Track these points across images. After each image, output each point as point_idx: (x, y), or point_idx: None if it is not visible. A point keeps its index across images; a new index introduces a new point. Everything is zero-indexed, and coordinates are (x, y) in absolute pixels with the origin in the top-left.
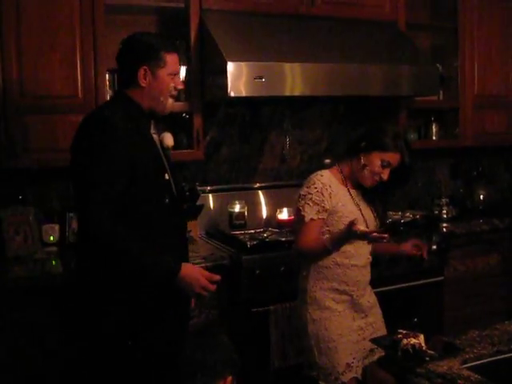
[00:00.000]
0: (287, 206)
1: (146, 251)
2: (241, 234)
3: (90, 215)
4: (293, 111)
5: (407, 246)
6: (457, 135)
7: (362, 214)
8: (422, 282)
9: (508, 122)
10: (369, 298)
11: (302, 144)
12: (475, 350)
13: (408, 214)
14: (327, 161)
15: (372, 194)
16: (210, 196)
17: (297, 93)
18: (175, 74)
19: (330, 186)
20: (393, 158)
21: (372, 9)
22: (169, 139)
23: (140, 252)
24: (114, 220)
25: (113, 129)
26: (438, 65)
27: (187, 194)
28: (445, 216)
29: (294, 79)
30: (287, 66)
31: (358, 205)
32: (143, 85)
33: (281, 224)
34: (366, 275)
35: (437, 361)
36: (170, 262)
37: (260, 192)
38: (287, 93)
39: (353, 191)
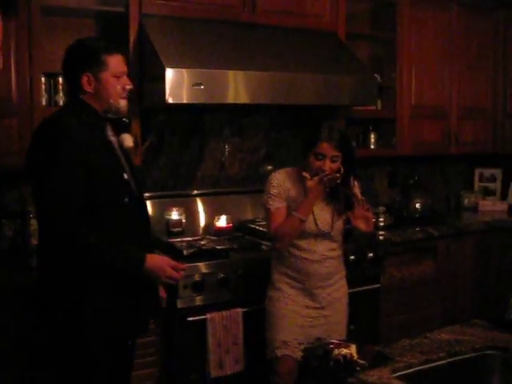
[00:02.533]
0: (225, 214)
1: (112, 246)
2: (178, 241)
3: (57, 218)
4: (232, 118)
5: (358, 222)
6: (394, 144)
7: (313, 214)
8: (358, 289)
9: (443, 132)
10: (331, 292)
11: (241, 151)
12: (405, 359)
13: None
14: (269, 167)
15: (330, 194)
16: (148, 202)
17: (236, 100)
18: (120, 75)
19: (284, 182)
20: (323, 148)
21: (313, 18)
22: (128, 140)
23: (107, 246)
24: (78, 220)
25: (68, 134)
26: (376, 75)
27: None
28: (382, 224)
29: (233, 87)
30: (227, 74)
31: None
32: (89, 90)
33: (219, 231)
34: (320, 269)
35: (367, 370)
36: (136, 254)
37: (198, 199)
38: (226, 100)
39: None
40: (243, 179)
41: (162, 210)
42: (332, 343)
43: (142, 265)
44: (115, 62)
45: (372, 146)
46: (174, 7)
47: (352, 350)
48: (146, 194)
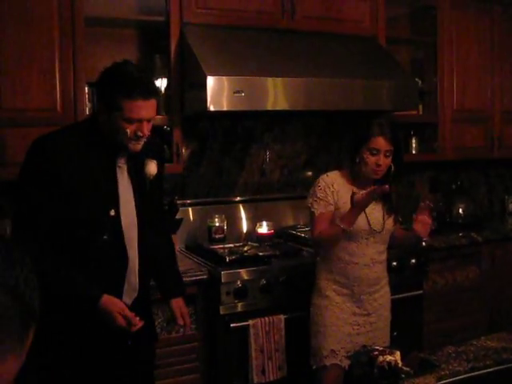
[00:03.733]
0: (267, 220)
1: (67, 279)
2: (220, 248)
3: (13, 238)
4: (273, 125)
5: (418, 226)
6: (436, 149)
7: (365, 212)
8: (401, 295)
9: (486, 136)
10: (377, 298)
11: (281, 158)
12: (450, 367)
13: None
14: (310, 173)
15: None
16: (190, 210)
17: (277, 107)
18: (134, 121)
19: (332, 185)
20: (377, 143)
21: (352, 23)
22: (151, 167)
23: (59, 279)
24: (35, 246)
25: (45, 161)
26: (417, 79)
27: (166, 207)
28: None
29: (273, 93)
30: (267, 81)
31: None
32: (100, 118)
33: (260, 238)
34: (370, 274)
35: (412, 378)
36: (90, 291)
37: (240, 206)
38: (267, 107)
39: (360, 190)
40: (284, 185)
41: (204, 216)
42: (376, 350)
43: (95, 304)
44: (131, 108)
45: (414, 151)
46: (214, 15)
47: (397, 357)
48: (188, 201)
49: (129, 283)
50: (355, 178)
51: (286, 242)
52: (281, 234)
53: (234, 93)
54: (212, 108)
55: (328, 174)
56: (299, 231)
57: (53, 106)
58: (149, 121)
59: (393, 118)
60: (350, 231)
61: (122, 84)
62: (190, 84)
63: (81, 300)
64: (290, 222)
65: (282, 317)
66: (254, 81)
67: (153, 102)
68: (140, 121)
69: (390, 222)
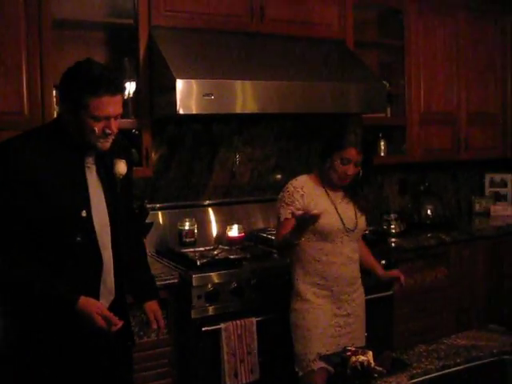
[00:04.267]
0: (237, 223)
1: (40, 282)
2: (191, 251)
3: None
4: (242, 128)
5: (387, 274)
6: (404, 151)
7: (338, 212)
8: (371, 296)
9: (453, 138)
10: (355, 298)
11: (251, 161)
12: (422, 365)
13: None
14: (279, 176)
15: (351, 193)
16: (160, 213)
17: (246, 110)
18: (101, 119)
19: (302, 188)
20: (349, 153)
21: (321, 27)
22: (120, 167)
23: (30, 281)
24: (5, 253)
25: (11, 165)
26: (385, 82)
27: (136, 211)
28: (393, 231)
29: (243, 96)
30: (236, 84)
31: (333, 203)
32: (66, 118)
33: (231, 241)
34: (347, 273)
35: (385, 377)
36: (67, 294)
37: (210, 209)
38: (237, 110)
39: (331, 192)
40: (254, 188)
41: (175, 220)
42: (349, 350)
43: (72, 306)
44: (97, 105)
45: (382, 154)
46: (183, 18)
47: (369, 356)
48: (158, 205)
49: (105, 285)
50: (324, 179)
51: (256, 245)
52: (251, 237)
53: (204, 96)
54: (181, 111)
55: (297, 178)
56: (269, 234)
57: (20, 109)
58: (116, 117)
59: (361, 121)
60: (325, 233)
61: (86, 82)
62: (159, 87)
63: (58, 304)
64: (261, 225)
65: (254, 319)
66: (224, 84)
67: (119, 98)
68: (107, 118)
69: (361, 221)
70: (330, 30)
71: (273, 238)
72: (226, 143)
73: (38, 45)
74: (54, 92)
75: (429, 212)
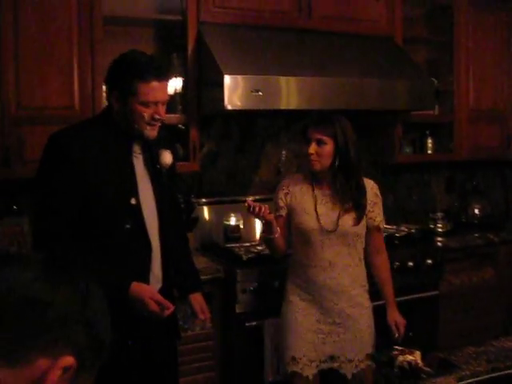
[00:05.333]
0: None
1: (91, 267)
2: (236, 246)
3: (34, 234)
4: (289, 124)
5: (392, 320)
6: (452, 149)
7: (316, 211)
8: (416, 296)
9: (502, 136)
10: (345, 308)
11: (297, 157)
12: (471, 367)
13: (403, 228)
14: None
15: (337, 190)
16: (206, 208)
17: (293, 106)
18: (150, 105)
19: (287, 187)
20: (309, 132)
21: (369, 23)
22: (166, 157)
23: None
24: (59, 239)
25: (63, 154)
26: (433, 79)
27: (182, 206)
28: (440, 230)
29: (290, 93)
30: (284, 80)
31: (315, 202)
32: (115, 108)
33: None
34: (329, 279)
35: (433, 378)
36: (119, 280)
37: None
38: (283, 106)
39: (318, 190)
40: None
41: (220, 215)
42: (396, 349)
43: (124, 293)
44: (146, 91)
45: (429, 151)
46: (231, 14)
47: (417, 356)
48: (204, 200)
49: (152, 273)
50: (312, 175)
51: None
52: None
53: (251, 91)
54: (229, 107)
55: (287, 176)
56: None
57: (71, 104)
58: (163, 104)
59: (409, 118)
60: (303, 234)
61: (134, 68)
62: (206, 83)
63: (110, 290)
64: None
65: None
66: (271, 80)
67: (166, 84)
68: (156, 103)
69: (347, 220)
70: (378, 26)
71: None
72: (272, 139)
73: (88, 41)
74: (104, 87)
75: (476, 211)
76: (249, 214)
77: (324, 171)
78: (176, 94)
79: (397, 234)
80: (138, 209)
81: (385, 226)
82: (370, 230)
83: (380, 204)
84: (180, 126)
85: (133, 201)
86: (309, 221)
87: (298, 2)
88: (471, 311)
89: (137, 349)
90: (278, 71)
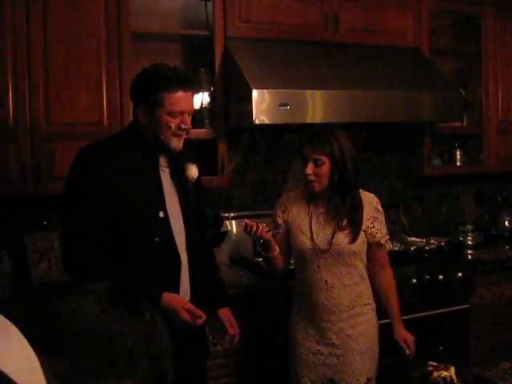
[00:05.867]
0: None
1: (123, 279)
2: None
3: (63, 249)
4: None
5: (400, 336)
6: (481, 161)
7: (311, 229)
8: (447, 309)
9: None
10: (345, 328)
11: None
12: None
13: (433, 241)
14: None
15: (331, 206)
16: (234, 222)
17: (321, 120)
18: (177, 114)
19: (285, 204)
20: (304, 151)
21: (395, 35)
22: (192, 171)
23: (114, 279)
24: (88, 252)
25: (90, 169)
26: (461, 90)
27: (211, 220)
28: (470, 243)
29: (317, 106)
30: (311, 94)
31: (310, 220)
32: (142, 121)
33: None
34: (328, 300)
35: None
36: (150, 290)
37: None
38: (312, 120)
39: (314, 207)
40: None
41: None
42: (430, 365)
43: (157, 302)
44: (172, 101)
45: (458, 163)
46: (258, 29)
47: (451, 372)
48: (232, 214)
49: (182, 286)
50: (309, 192)
51: None
52: None
53: (280, 106)
54: (257, 121)
55: (290, 192)
56: None
57: (100, 120)
58: (189, 114)
59: (437, 130)
60: (299, 253)
61: (160, 79)
62: (234, 97)
63: None
64: None
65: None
66: (299, 94)
67: (192, 94)
68: (182, 113)
69: (342, 238)
70: (404, 37)
71: None
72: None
73: (117, 57)
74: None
75: (507, 224)
76: (245, 233)
77: (323, 190)
78: (204, 108)
79: (426, 247)
80: (166, 222)
81: (414, 238)
82: (372, 247)
83: (381, 218)
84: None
85: (161, 214)
86: (304, 240)
87: (325, 15)
88: (503, 325)
89: None
90: (305, 85)
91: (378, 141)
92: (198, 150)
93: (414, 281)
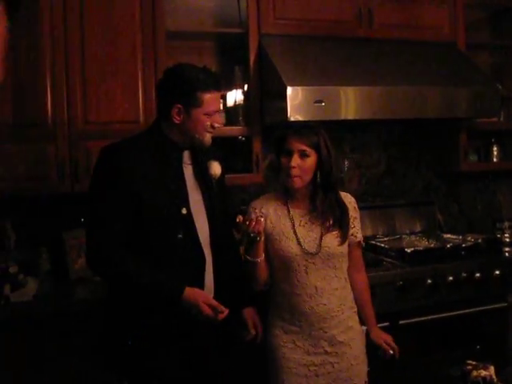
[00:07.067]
0: None
1: (146, 274)
2: None
3: (87, 246)
4: (350, 134)
5: (378, 338)
6: None
7: (296, 233)
8: (484, 308)
9: None
10: (337, 335)
11: (360, 167)
12: None
13: (469, 238)
14: (388, 182)
15: (317, 209)
16: None
17: (356, 116)
18: (213, 114)
19: (259, 209)
20: (289, 143)
21: (431, 30)
22: (215, 168)
23: (138, 274)
24: (112, 249)
25: (113, 166)
26: (498, 85)
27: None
28: (507, 240)
29: (353, 103)
30: (346, 90)
31: (293, 224)
32: (176, 122)
33: None
34: (318, 306)
35: None
36: (174, 285)
37: None
38: (346, 116)
39: (294, 210)
40: (363, 194)
41: None
42: (469, 364)
43: (178, 297)
44: (210, 101)
45: (495, 159)
46: (292, 26)
47: (491, 371)
48: None
49: (205, 284)
50: (287, 194)
51: (365, 253)
52: None
53: (315, 102)
54: (292, 118)
55: (261, 196)
56: (378, 241)
57: (136, 118)
58: (220, 112)
59: (474, 125)
60: (284, 260)
61: (197, 80)
62: (269, 94)
63: (164, 295)
64: (369, 232)
65: (364, 328)
66: (334, 90)
67: (221, 94)
68: (215, 113)
69: (331, 240)
70: (440, 32)
71: (382, 245)
72: (334, 149)
73: (152, 56)
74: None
75: None
76: (239, 230)
77: (302, 188)
78: (238, 106)
79: (463, 245)
80: (189, 218)
81: (449, 236)
82: (352, 247)
83: (359, 219)
84: (241, 137)
85: (184, 210)
86: (289, 245)
87: (359, 11)
88: None
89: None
90: (339, 81)
91: (413, 137)
92: (232, 148)
93: (451, 278)
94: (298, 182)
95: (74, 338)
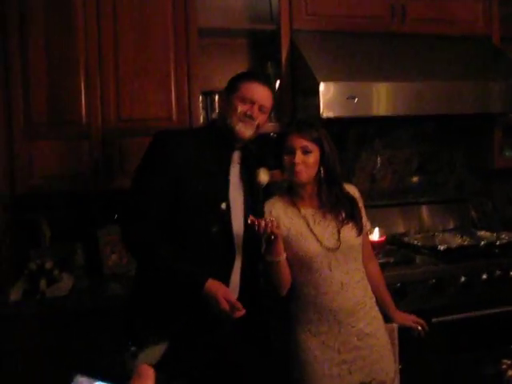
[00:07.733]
0: (378, 227)
1: (175, 261)
2: None
3: (122, 228)
4: (383, 131)
5: (404, 320)
6: None
7: (313, 232)
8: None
9: None
10: (363, 327)
11: (392, 164)
12: None
13: (504, 236)
14: (421, 179)
15: (328, 209)
16: None
17: (389, 112)
18: (247, 102)
19: (270, 212)
20: (291, 141)
21: (464, 24)
22: (262, 176)
23: (168, 260)
24: (146, 233)
25: (161, 150)
26: None
27: None
28: None
29: (385, 99)
30: (379, 86)
31: (307, 223)
32: (219, 108)
33: (372, 245)
34: (344, 302)
35: None
36: (196, 275)
37: None
38: (380, 112)
39: (305, 209)
40: (394, 192)
41: None
42: (504, 363)
43: (200, 287)
44: (247, 88)
45: None
46: (324, 21)
47: None
48: None
49: (232, 281)
50: (293, 194)
51: (399, 249)
52: (392, 241)
53: (347, 98)
54: (325, 114)
55: (270, 199)
56: (411, 238)
57: (169, 115)
58: (260, 108)
59: (509, 120)
60: (306, 261)
61: (243, 74)
62: (301, 90)
63: (188, 282)
64: (401, 229)
65: (395, 325)
66: (367, 86)
67: (268, 92)
68: (253, 103)
69: (348, 233)
70: (474, 26)
71: (415, 242)
72: (366, 146)
73: (185, 53)
74: (201, 98)
75: None
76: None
77: (306, 184)
78: (275, 91)
79: (497, 242)
80: (226, 214)
81: (483, 233)
82: (362, 236)
83: (363, 208)
84: (272, 134)
85: (223, 205)
86: (309, 245)
87: (391, 6)
88: None
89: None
90: (372, 77)
91: (446, 133)
92: (264, 144)
93: (485, 276)
94: (304, 176)
95: (105, 334)
